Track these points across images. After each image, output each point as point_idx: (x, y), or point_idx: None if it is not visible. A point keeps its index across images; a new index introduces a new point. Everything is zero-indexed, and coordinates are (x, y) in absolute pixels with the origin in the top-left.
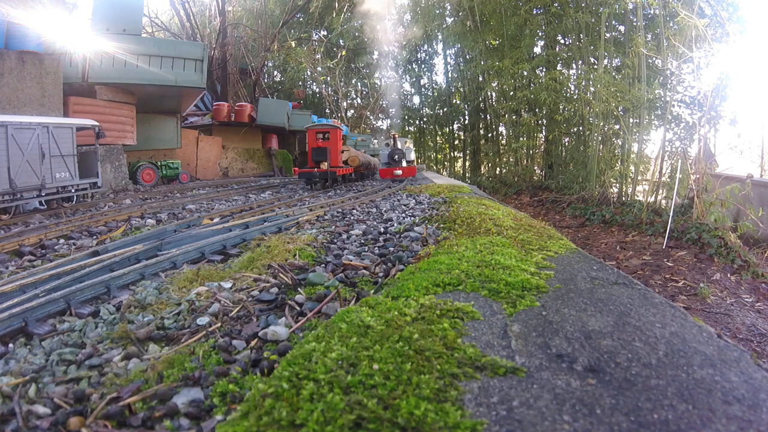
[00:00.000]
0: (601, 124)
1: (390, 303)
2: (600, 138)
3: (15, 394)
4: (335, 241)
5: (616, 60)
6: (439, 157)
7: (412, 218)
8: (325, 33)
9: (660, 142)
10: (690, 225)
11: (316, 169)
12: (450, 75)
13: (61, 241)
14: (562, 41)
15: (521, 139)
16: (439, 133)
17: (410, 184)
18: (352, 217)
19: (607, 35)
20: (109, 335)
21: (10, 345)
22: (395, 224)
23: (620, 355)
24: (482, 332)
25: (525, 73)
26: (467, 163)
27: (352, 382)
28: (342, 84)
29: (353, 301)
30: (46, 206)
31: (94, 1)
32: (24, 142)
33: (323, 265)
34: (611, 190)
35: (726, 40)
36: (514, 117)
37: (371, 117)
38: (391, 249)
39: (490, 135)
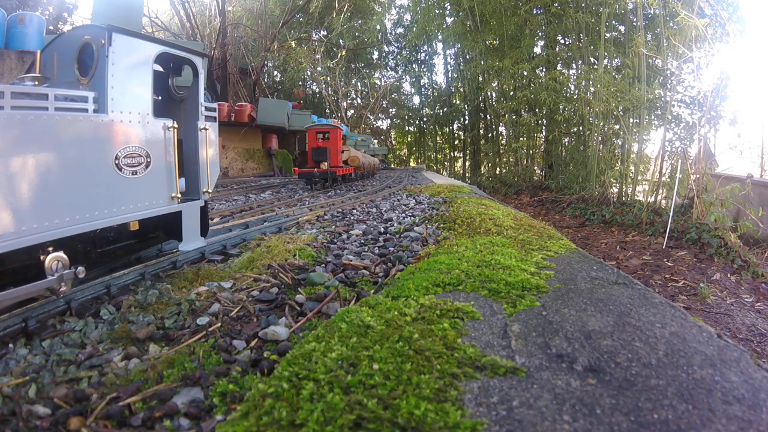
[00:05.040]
0: (601, 124)
1: (390, 303)
2: (600, 138)
3: (15, 394)
4: (335, 241)
5: (616, 60)
6: (439, 157)
7: (412, 218)
8: (325, 33)
9: (660, 142)
10: (690, 225)
11: (316, 169)
12: (450, 75)
13: None
14: (562, 41)
15: (521, 139)
16: (439, 133)
17: (410, 184)
18: (352, 217)
19: (607, 35)
20: (109, 335)
21: (10, 345)
22: (395, 224)
23: (620, 355)
24: (482, 332)
25: (525, 73)
26: (467, 163)
27: (352, 382)
28: (342, 84)
29: (353, 301)
30: None
31: (94, 1)
32: None
33: (323, 265)
34: (611, 190)
35: (726, 40)
36: (514, 117)
37: (371, 117)
38: (391, 249)
39: (490, 135)
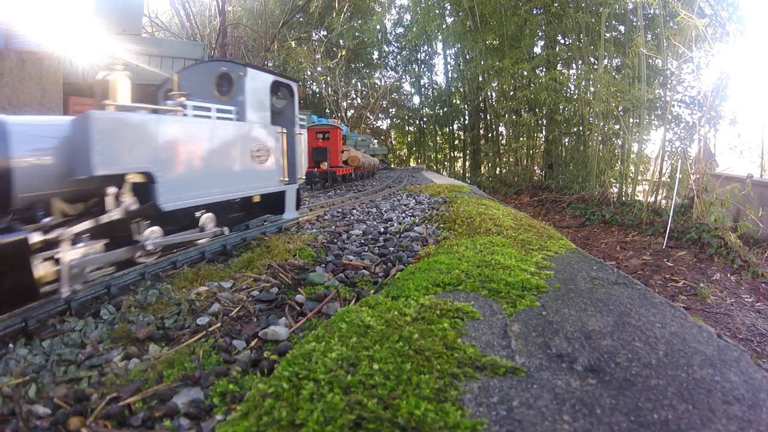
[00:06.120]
0: (601, 124)
1: (390, 303)
2: (600, 138)
3: (15, 394)
4: (335, 241)
5: (616, 60)
6: (439, 157)
7: (412, 218)
8: (325, 33)
9: (660, 142)
10: (690, 225)
11: (316, 169)
12: (450, 75)
13: None
14: (562, 41)
15: (521, 139)
16: (439, 133)
17: (410, 184)
18: (352, 217)
19: (607, 35)
20: (109, 335)
21: (10, 345)
22: (395, 224)
23: (620, 355)
24: (482, 332)
25: (525, 73)
26: (467, 163)
27: (352, 382)
28: (342, 84)
29: (353, 301)
30: None
31: (94, 1)
32: None
33: (323, 265)
34: (611, 190)
35: (726, 40)
36: (514, 117)
37: (371, 117)
38: (391, 249)
39: (490, 135)
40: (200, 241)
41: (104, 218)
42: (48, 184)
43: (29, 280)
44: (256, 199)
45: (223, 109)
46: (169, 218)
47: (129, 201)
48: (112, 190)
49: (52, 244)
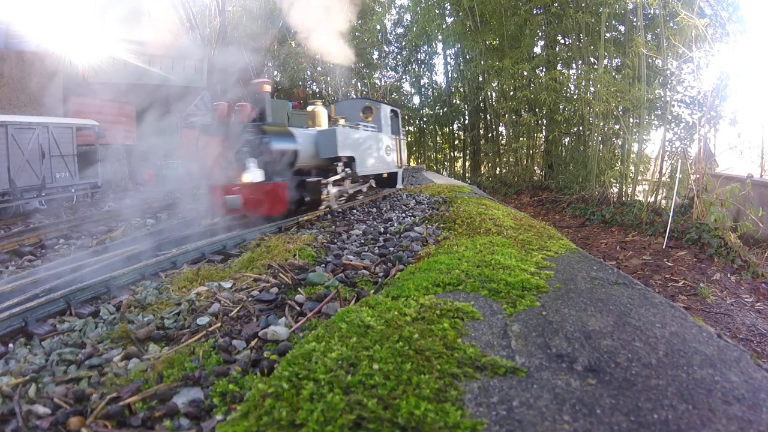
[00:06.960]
0: (601, 124)
1: (390, 303)
2: (600, 138)
3: (15, 394)
4: (335, 241)
5: (616, 60)
6: (439, 157)
7: (412, 218)
8: None
9: (660, 142)
10: (690, 225)
11: None
12: (450, 75)
13: (61, 241)
14: (562, 41)
15: (521, 139)
16: (439, 133)
17: (410, 184)
18: (352, 217)
19: (607, 35)
20: (109, 335)
21: (10, 345)
22: (395, 224)
23: (620, 355)
24: (482, 332)
25: (525, 73)
26: (467, 163)
27: (352, 382)
28: (342, 84)
29: (353, 301)
30: (46, 206)
31: (94, 0)
32: (24, 142)
33: (323, 265)
34: (611, 190)
35: (726, 40)
36: (514, 117)
37: None
38: (391, 249)
39: (490, 135)
40: (360, 195)
41: (337, 177)
42: (308, 160)
43: (319, 199)
44: (384, 176)
45: (372, 126)
46: (358, 180)
47: (345, 169)
48: (339, 163)
49: (323, 185)
